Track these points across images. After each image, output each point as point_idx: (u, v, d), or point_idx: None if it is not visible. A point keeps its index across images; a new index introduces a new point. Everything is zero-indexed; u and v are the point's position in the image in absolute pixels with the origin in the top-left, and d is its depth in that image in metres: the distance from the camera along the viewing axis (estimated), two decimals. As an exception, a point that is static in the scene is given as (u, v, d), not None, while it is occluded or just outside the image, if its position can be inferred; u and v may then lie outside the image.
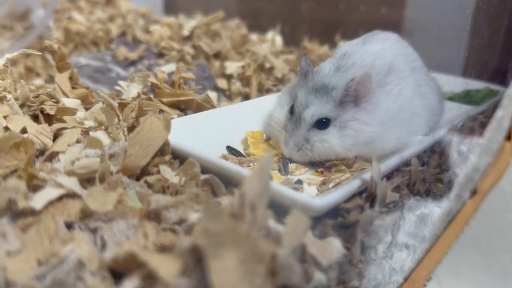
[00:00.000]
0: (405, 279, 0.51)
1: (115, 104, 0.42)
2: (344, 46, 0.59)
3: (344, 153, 0.51)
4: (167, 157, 0.39)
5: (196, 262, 0.25)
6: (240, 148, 0.56)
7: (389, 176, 0.43)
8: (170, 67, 0.74)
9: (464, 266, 0.82)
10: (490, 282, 0.82)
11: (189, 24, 0.92)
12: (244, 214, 0.27)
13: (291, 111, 0.53)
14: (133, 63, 0.81)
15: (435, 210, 0.54)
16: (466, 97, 0.73)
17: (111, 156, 0.37)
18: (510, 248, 0.81)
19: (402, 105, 0.51)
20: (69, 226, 0.31)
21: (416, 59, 0.61)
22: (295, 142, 0.51)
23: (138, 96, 0.54)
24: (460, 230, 0.70)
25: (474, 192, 0.71)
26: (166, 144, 0.40)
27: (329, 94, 0.50)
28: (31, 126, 0.39)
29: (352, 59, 0.53)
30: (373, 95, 0.49)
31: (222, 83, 0.78)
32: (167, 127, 0.38)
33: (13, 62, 0.89)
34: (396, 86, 0.52)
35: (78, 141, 0.40)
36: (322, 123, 0.50)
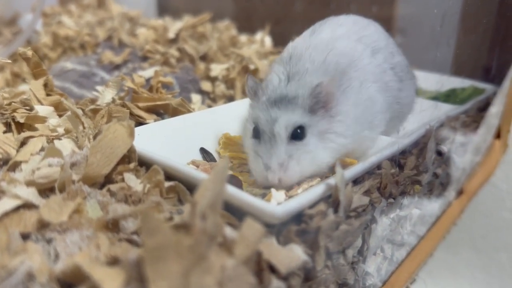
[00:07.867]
0: (384, 283, 0.50)
1: (79, 111, 0.42)
2: (290, 44, 0.54)
3: (327, 167, 0.47)
4: (132, 165, 0.39)
5: (140, 275, 0.25)
6: (214, 150, 0.55)
7: (359, 180, 0.43)
8: (153, 70, 0.73)
9: (460, 265, 0.81)
10: (487, 281, 0.81)
11: (174, 26, 0.92)
12: (194, 224, 0.27)
13: (256, 135, 0.47)
14: (117, 67, 0.80)
15: (414, 212, 0.53)
16: (451, 96, 0.72)
17: (73, 164, 0.37)
18: (506, 246, 0.80)
19: (366, 106, 0.49)
20: (26, 237, 0.31)
21: (379, 39, 0.55)
22: (279, 162, 0.43)
23: (113, 101, 0.54)
24: (445, 231, 0.70)
25: (460, 192, 0.70)
26: (131, 151, 0.40)
27: (292, 103, 0.45)
28: (-5, 136, 0.39)
29: (302, 63, 0.48)
30: (339, 101, 0.46)
31: (206, 85, 0.77)
32: (131, 134, 0.38)
33: (0, 68, 0.89)
34: (356, 81, 0.48)
35: (43, 150, 0.40)
36: (298, 133, 0.44)
